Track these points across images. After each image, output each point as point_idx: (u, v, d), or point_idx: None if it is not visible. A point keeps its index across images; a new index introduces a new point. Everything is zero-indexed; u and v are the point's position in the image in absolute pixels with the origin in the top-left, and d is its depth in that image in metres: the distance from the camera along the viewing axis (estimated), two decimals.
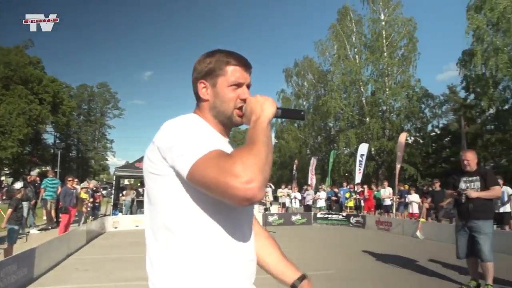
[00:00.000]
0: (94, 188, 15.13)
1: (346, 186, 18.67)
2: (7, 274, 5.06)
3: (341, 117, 29.25)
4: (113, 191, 17.70)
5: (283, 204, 18.95)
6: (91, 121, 58.44)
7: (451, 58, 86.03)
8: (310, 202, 17.96)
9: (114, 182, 18.08)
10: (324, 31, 39.16)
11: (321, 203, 17.45)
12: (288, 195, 18.87)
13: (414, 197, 14.57)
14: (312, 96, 37.17)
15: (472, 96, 27.38)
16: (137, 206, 16.61)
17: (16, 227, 7.61)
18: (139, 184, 19.22)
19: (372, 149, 26.30)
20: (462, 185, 5.33)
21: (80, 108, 56.85)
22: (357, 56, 29.26)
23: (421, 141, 30.26)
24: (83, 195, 12.82)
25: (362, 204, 16.79)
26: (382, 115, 28.36)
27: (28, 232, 10.98)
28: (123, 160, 76.26)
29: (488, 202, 5.26)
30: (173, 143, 1.05)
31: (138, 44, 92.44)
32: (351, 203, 17.19)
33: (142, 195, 17.03)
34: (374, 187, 18.15)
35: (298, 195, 18.68)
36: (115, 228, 13.28)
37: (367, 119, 27.84)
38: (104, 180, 54.06)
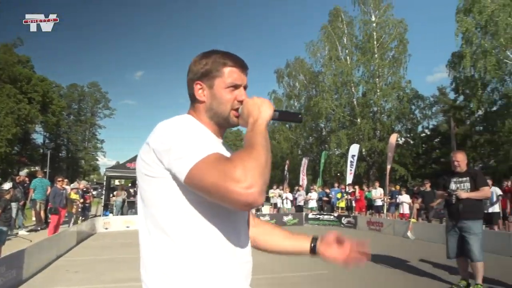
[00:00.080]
0: (85, 189, 14.99)
1: (338, 186, 18.75)
2: None
3: (332, 118, 29.41)
4: (103, 192, 17.54)
5: (275, 205, 18.97)
6: (81, 121, 57.91)
7: (441, 60, 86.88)
8: (301, 203, 18.01)
9: (104, 183, 17.93)
10: (316, 32, 39.35)
11: (313, 203, 17.52)
12: (280, 195, 18.88)
13: (405, 198, 14.70)
14: (303, 97, 37.29)
15: (461, 97, 27.72)
16: (128, 207, 16.51)
17: (5, 229, 7.49)
18: (130, 185, 19.12)
19: (363, 150, 26.49)
20: (453, 185, 5.38)
21: (70, 108, 56.29)
22: (348, 57, 29.45)
23: (412, 142, 30.57)
24: (73, 196, 12.70)
25: (354, 204, 16.87)
26: (373, 116, 28.58)
27: (17, 233, 10.84)
28: (113, 160, 75.54)
29: (477, 202, 5.33)
30: (170, 145, 1.03)
31: (129, 44, 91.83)
32: (342, 204, 17.27)
33: (133, 196, 17.16)
34: (365, 188, 18.26)
35: (290, 196, 18.71)
36: (106, 229, 13.18)
37: (358, 120, 28.03)
38: (95, 180, 53.58)
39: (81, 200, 13.75)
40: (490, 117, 24.34)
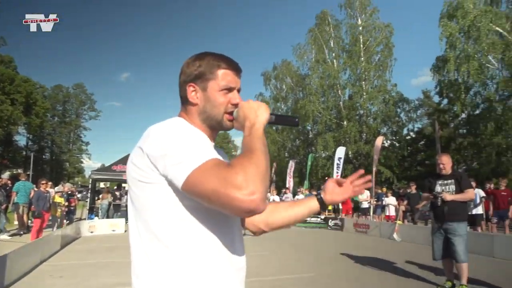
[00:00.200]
0: (70, 192, 14.75)
1: None
2: None
3: (319, 121, 29.60)
4: (89, 195, 17.29)
5: None
6: (66, 123, 57.01)
7: (425, 63, 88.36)
8: None
9: (90, 185, 17.68)
10: (303, 36, 39.63)
11: None
12: (267, 198, 18.87)
13: (391, 200, 14.85)
14: (290, 99, 37.45)
15: (445, 101, 28.20)
16: (114, 210, 16.30)
17: None
18: (115, 187, 18.87)
19: (350, 152, 26.73)
20: (438, 188, 5.46)
21: (54, 109, 55.37)
22: (335, 61, 29.73)
23: (397, 145, 30.98)
24: (58, 199, 12.48)
25: (340, 207, 16.99)
26: (359, 119, 28.87)
27: None
28: (98, 162, 74.57)
29: (462, 204, 5.42)
30: (166, 150, 1.01)
31: (115, 45, 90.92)
32: (329, 206, 17.37)
33: (119, 199, 16.96)
34: None
35: (277, 198, 18.68)
36: (91, 232, 12.97)
37: (345, 122, 28.27)
38: (79, 183, 52.78)
39: (66, 204, 13.53)
40: (473, 120, 24.83)
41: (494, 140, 22.15)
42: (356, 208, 16.86)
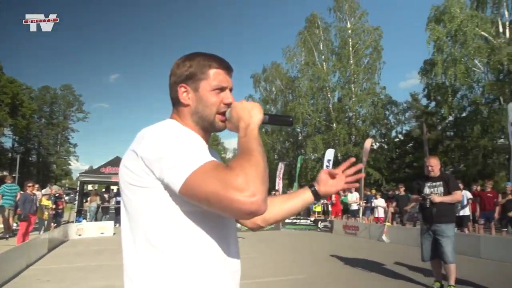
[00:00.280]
0: (57, 194, 14.55)
1: None
2: None
3: (308, 123, 29.73)
4: (76, 197, 17.08)
5: None
6: (53, 124, 56.22)
7: (413, 66, 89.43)
8: None
9: (78, 188, 17.47)
10: (293, 38, 39.89)
11: None
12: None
13: (380, 202, 14.98)
14: (280, 101, 37.54)
15: (433, 103, 28.59)
16: (102, 213, 16.13)
17: None
18: (103, 190, 18.69)
19: (339, 155, 26.86)
20: (427, 190, 5.53)
21: (41, 111, 54.55)
22: (324, 63, 29.92)
23: (386, 147, 31.28)
24: (45, 202, 12.30)
25: (330, 209, 17.08)
26: (349, 121, 29.08)
27: None
28: (86, 165, 73.74)
29: (450, 206, 5.51)
30: (162, 153, 0.99)
31: (104, 46, 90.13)
32: (318, 208, 17.45)
33: (108, 201, 16.78)
34: (341, 192, 18.50)
35: None
36: (79, 235, 12.81)
37: (334, 125, 28.46)
38: (67, 185, 52.11)
39: (53, 206, 13.34)
40: (460, 123, 25.23)
41: (480, 142, 22.52)
42: (346, 210, 16.97)
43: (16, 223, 12.17)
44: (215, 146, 63.67)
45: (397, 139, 34.23)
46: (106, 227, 13.49)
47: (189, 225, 1.05)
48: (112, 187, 18.36)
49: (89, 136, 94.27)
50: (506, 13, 22.04)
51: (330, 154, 20.07)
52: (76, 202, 16.71)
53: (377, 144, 30.65)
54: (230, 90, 1.22)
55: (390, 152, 30.35)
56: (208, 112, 1.18)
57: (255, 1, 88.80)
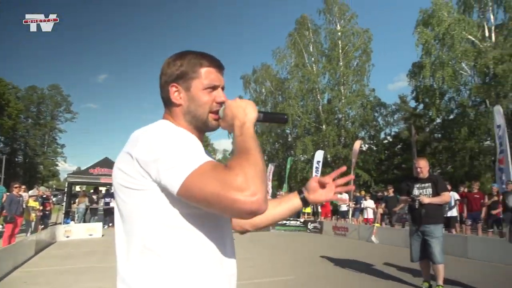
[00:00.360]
0: (44, 196, 14.35)
1: None
2: None
3: (298, 124, 29.80)
4: (64, 198, 16.87)
5: None
6: (41, 125, 55.40)
7: (401, 69, 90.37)
8: None
9: (66, 189, 17.27)
10: (283, 40, 39.92)
11: None
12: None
13: (369, 203, 15.09)
14: (269, 103, 37.57)
15: (421, 106, 28.92)
16: (91, 214, 15.96)
17: None
18: (92, 191, 18.50)
19: (328, 156, 27.01)
20: (416, 191, 5.60)
21: (28, 111, 53.76)
22: (314, 65, 30.04)
23: (375, 148, 31.55)
24: (32, 203, 12.12)
25: (319, 210, 17.15)
26: (338, 123, 29.25)
27: None
28: (74, 165, 72.74)
29: (438, 207, 5.59)
30: (158, 155, 0.97)
31: (92, 46, 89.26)
32: (308, 209, 17.50)
33: (96, 202, 16.60)
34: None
35: None
36: (67, 237, 12.66)
37: (324, 126, 28.59)
38: (54, 186, 51.38)
39: (41, 208, 13.16)
40: (448, 125, 25.56)
41: (467, 144, 22.84)
42: (335, 211, 17.08)
43: (2, 225, 11.98)
44: (204, 147, 63.42)
45: (386, 141, 34.55)
46: (94, 228, 13.37)
47: (185, 228, 1.03)
48: (100, 188, 18.17)
49: (77, 137, 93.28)
50: (492, 17, 22.41)
51: (319, 155, 20.17)
52: (64, 203, 16.52)
53: (366, 145, 30.90)
54: (222, 88, 1.21)
55: (379, 154, 30.60)
56: (201, 112, 1.17)
57: (245, 3, 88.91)
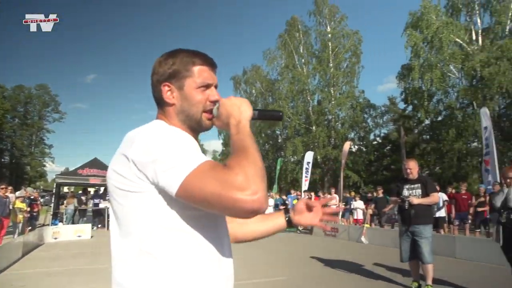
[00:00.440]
0: (32, 197, 14.16)
1: (294, 193, 19.04)
2: None
3: (288, 126, 29.91)
4: (52, 200, 16.66)
5: None
6: (28, 125, 54.55)
7: (391, 71, 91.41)
8: None
9: (54, 190, 17.05)
10: (273, 41, 40.08)
11: (270, 210, 17.62)
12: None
13: (358, 204, 15.18)
14: (260, 104, 37.62)
15: (410, 107, 29.25)
16: (79, 215, 15.79)
17: None
18: (80, 192, 18.30)
19: (318, 157, 27.16)
20: (405, 192, 5.65)
21: (15, 111, 52.92)
22: (304, 66, 30.18)
23: (364, 150, 31.80)
24: (19, 205, 11.96)
25: None
26: (328, 124, 29.42)
27: None
28: (62, 166, 71.96)
29: (428, 208, 5.65)
30: (156, 156, 0.94)
31: (81, 45, 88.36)
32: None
33: (85, 204, 16.42)
34: (321, 194, 18.67)
35: None
36: (55, 239, 12.50)
37: (314, 127, 28.73)
38: (41, 187, 50.66)
39: (28, 209, 12.98)
40: (436, 127, 25.90)
41: (455, 145, 23.14)
42: None
43: None
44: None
45: (375, 142, 34.87)
46: (83, 230, 13.23)
47: (183, 230, 1.01)
48: (89, 189, 17.98)
49: (65, 137, 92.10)
50: (479, 21, 22.80)
51: (309, 156, 20.27)
52: (52, 205, 16.31)
53: (356, 146, 31.16)
54: (216, 87, 1.19)
55: (368, 155, 30.86)
56: (195, 111, 1.15)
57: (235, 4, 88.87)
